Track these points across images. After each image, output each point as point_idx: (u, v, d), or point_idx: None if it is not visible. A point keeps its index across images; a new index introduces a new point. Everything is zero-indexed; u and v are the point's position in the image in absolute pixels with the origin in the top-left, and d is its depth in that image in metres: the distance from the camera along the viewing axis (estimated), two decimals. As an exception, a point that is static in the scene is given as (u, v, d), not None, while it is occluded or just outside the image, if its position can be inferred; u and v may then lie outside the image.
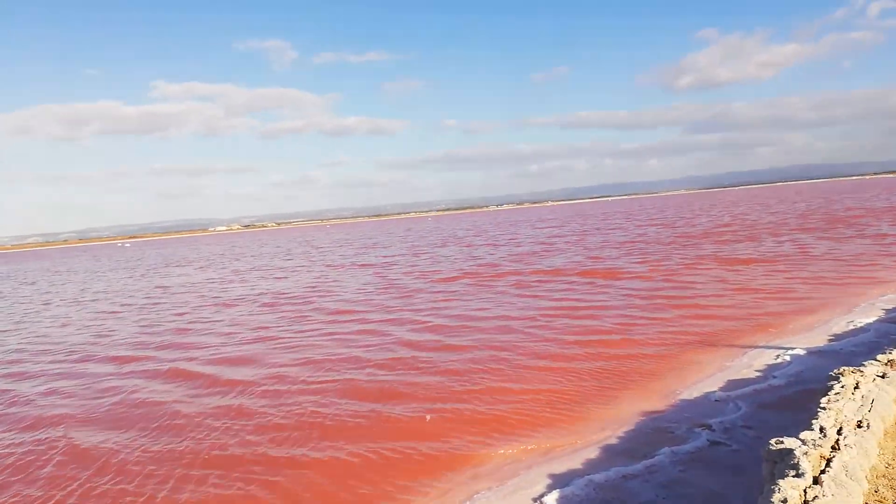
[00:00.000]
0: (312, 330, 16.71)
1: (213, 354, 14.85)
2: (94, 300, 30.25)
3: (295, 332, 16.57)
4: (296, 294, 24.78)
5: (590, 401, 9.28)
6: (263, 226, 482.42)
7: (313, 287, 26.81)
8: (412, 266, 32.99)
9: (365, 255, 45.22)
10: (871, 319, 12.54)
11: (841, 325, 12.32)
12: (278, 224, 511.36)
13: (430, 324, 16.04)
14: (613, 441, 7.77)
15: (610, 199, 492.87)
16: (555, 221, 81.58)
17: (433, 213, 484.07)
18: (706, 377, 9.90)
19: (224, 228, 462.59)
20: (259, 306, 22.29)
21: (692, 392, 9.24)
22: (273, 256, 54.82)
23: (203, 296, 27.38)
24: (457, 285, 23.19)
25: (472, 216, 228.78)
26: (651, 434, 7.88)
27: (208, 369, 13.30)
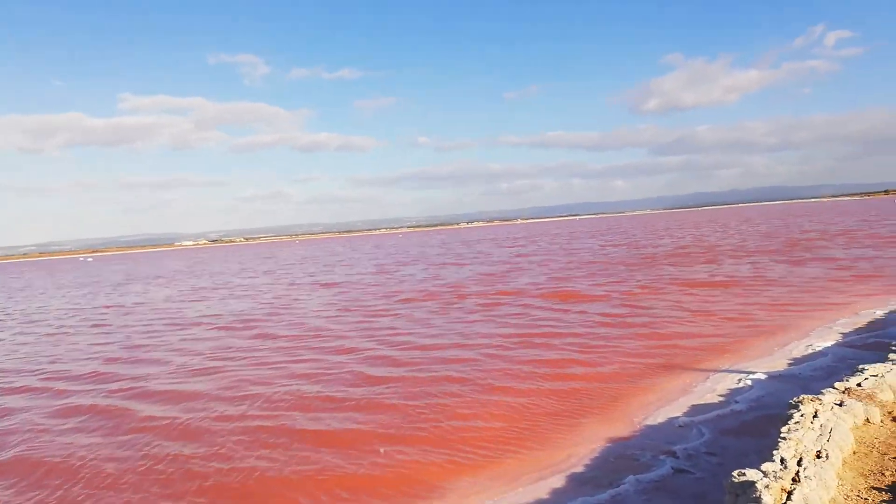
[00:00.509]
0: (260, 359, 15.60)
1: (139, 385, 13.66)
2: (28, 321, 28.44)
3: (241, 361, 15.49)
4: (250, 317, 23.67)
5: (554, 428, 9.24)
6: (232, 241, 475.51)
7: (270, 308, 25.95)
8: (375, 285, 32.59)
9: (329, 273, 44.59)
10: (828, 343, 12.82)
11: (800, 349, 12.57)
12: (247, 239, 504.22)
13: (388, 350, 15.44)
14: (579, 469, 7.74)
15: (578, 217, 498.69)
16: (522, 240, 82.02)
17: (404, 230, 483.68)
18: (670, 402, 9.96)
19: (191, 243, 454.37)
20: (209, 329, 21.20)
21: (656, 417, 9.29)
22: (234, 274, 53.57)
23: (151, 319, 25.73)
24: (419, 307, 22.76)
25: (442, 233, 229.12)
26: (616, 461, 7.88)
27: (129, 403, 12.21)
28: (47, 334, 23.36)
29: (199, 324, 22.76)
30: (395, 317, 20.93)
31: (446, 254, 60.96)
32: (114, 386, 13.84)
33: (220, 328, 21.37)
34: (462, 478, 7.79)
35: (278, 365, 14.69)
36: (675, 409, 9.54)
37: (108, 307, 31.95)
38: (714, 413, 9.18)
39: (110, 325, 24.35)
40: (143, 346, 19.03)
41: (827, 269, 24.93)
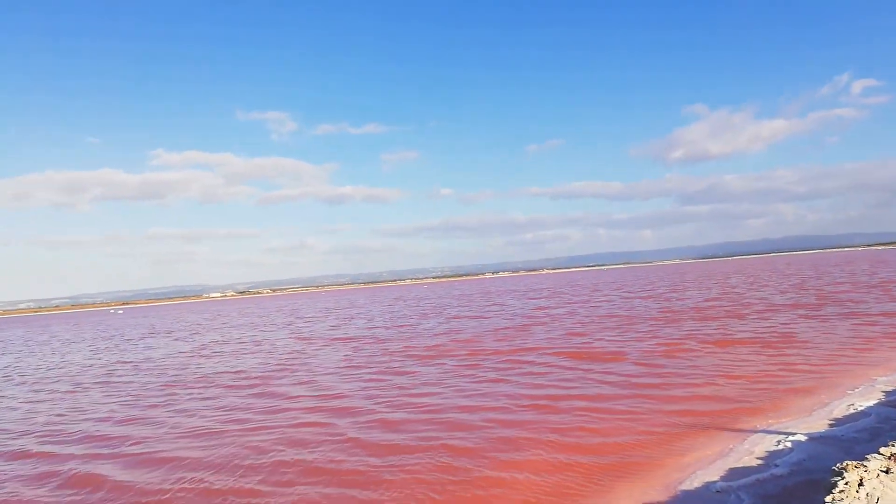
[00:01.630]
0: (259, 423, 14.90)
1: (118, 450, 13.31)
2: (38, 378, 28.43)
3: (236, 424, 14.92)
4: (258, 374, 23.06)
5: (585, 496, 8.96)
6: (258, 292, 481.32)
7: (280, 366, 25.21)
8: (390, 340, 32.03)
9: (346, 327, 44.08)
10: (871, 403, 12.36)
11: (840, 409, 12.12)
12: (273, 291, 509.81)
13: (395, 415, 14.55)
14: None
15: (605, 267, 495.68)
16: (545, 292, 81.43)
17: (428, 280, 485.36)
18: (707, 465, 9.63)
19: (219, 295, 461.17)
20: (212, 387, 20.83)
21: (693, 482, 8.97)
22: (253, 327, 53.65)
23: (158, 375, 25.40)
24: (431, 366, 21.67)
25: (466, 283, 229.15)
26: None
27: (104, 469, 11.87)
28: (49, 391, 23.37)
29: (205, 383, 22.07)
30: (406, 374, 20.24)
31: (467, 306, 60.65)
32: (97, 450, 13.55)
33: (225, 387, 20.80)
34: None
35: (275, 429, 14.10)
36: (713, 473, 9.22)
37: (122, 362, 31.93)
38: (753, 478, 8.85)
39: (116, 383, 24.00)
40: (142, 405, 18.58)
41: (862, 324, 24.21)
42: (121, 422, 16.45)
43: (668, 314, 34.31)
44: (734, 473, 9.11)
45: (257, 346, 35.45)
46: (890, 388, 13.46)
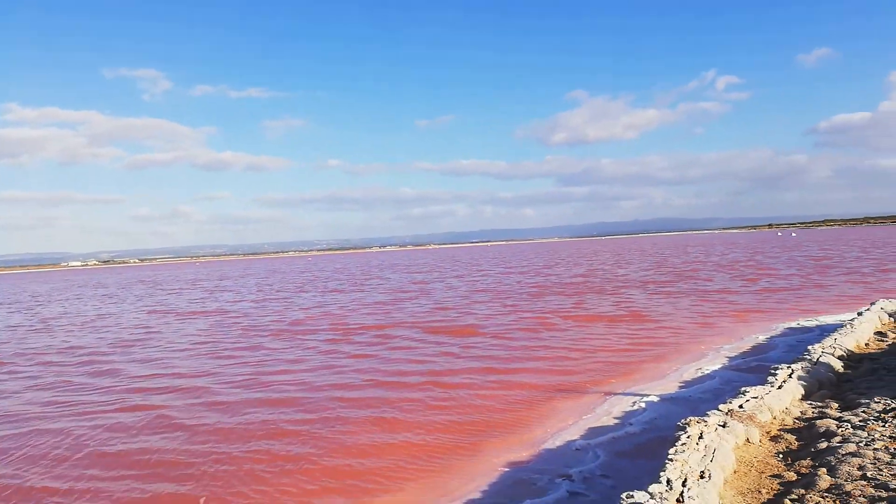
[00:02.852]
0: (72, 407, 13.15)
1: None
2: None
3: (54, 409, 13.11)
4: (93, 350, 21.05)
5: (454, 453, 9.15)
6: (125, 262, 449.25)
7: (123, 341, 23.05)
8: (255, 314, 30.32)
9: (210, 300, 41.60)
10: (716, 367, 13.55)
11: (690, 373, 13.19)
12: (142, 260, 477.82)
13: (235, 396, 13.29)
14: (477, 495, 7.67)
15: (489, 244, 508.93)
16: (427, 266, 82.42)
17: (313, 253, 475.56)
18: (569, 425, 10.13)
19: (79, 264, 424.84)
20: (34, 366, 18.62)
21: (555, 441, 9.40)
22: (106, 299, 49.67)
23: None
24: (292, 342, 20.51)
25: (351, 257, 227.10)
26: (514, 486, 7.87)
27: None
28: None
29: (24, 359, 19.90)
30: (263, 351, 18.98)
31: (348, 279, 59.91)
32: None
33: (46, 364, 18.79)
34: (360, 499, 7.53)
35: (93, 414, 12.51)
36: (574, 433, 9.70)
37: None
38: (609, 435, 9.40)
39: None
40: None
41: (711, 299, 26.58)
42: None
43: (538, 289, 35.74)
44: (593, 432, 9.64)
45: (102, 319, 32.81)
46: (733, 355, 14.83)
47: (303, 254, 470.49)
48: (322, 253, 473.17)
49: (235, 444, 10.05)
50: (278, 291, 47.07)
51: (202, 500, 7.94)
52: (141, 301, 45.13)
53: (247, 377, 15.29)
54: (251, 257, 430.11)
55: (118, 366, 17.88)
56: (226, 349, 19.87)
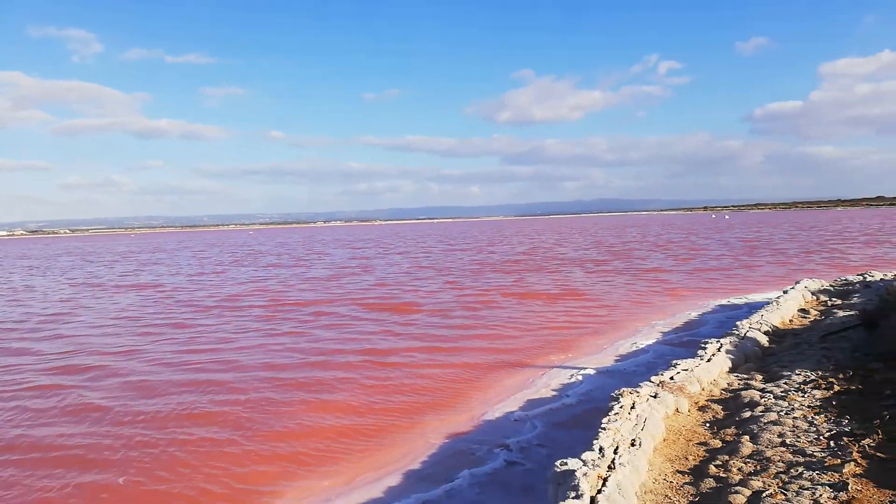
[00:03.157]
0: None
1: None
2: None
3: None
4: (6, 327, 19.77)
5: (395, 428, 9.16)
6: (55, 232, 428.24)
7: (39, 317, 21.80)
8: (187, 289, 29.27)
9: (140, 274, 39.81)
10: (650, 341, 14.02)
11: (626, 347, 13.60)
12: (73, 231, 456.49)
13: (157, 376, 12.57)
14: (416, 466, 7.72)
15: (435, 221, 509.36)
16: (371, 242, 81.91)
17: (255, 227, 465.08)
18: (508, 397, 10.30)
19: (4, 233, 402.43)
20: None
21: (494, 413, 9.54)
22: (28, 271, 47.12)
23: None
24: (223, 318, 19.81)
25: (294, 231, 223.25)
26: (453, 457, 7.96)
27: None
28: None
29: None
30: (192, 328, 18.24)
31: (288, 254, 58.89)
32: None
33: None
34: (294, 484, 7.44)
35: (2, 397, 11.53)
36: (512, 404, 9.87)
37: None
38: (547, 407, 9.61)
39: None
40: None
41: (650, 276, 27.47)
42: None
43: (480, 266, 36.03)
44: (531, 404, 9.83)
45: (21, 292, 31.06)
46: (666, 330, 15.36)
47: (244, 227, 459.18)
48: (265, 227, 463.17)
49: (157, 427, 9.47)
50: (215, 265, 45.68)
51: (122, 482, 7.61)
52: (66, 274, 43.03)
53: (173, 356, 14.51)
54: (189, 230, 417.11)
55: (33, 344, 16.71)
56: (153, 325, 18.99)
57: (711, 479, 5.52)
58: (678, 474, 5.83)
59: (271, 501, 7.01)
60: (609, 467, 5.18)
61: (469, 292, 23.91)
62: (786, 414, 6.84)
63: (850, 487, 4.82)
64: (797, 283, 17.19)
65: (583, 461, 5.24)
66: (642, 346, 13.67)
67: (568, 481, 4.89)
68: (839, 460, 5.36)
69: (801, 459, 5.57)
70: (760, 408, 7.22)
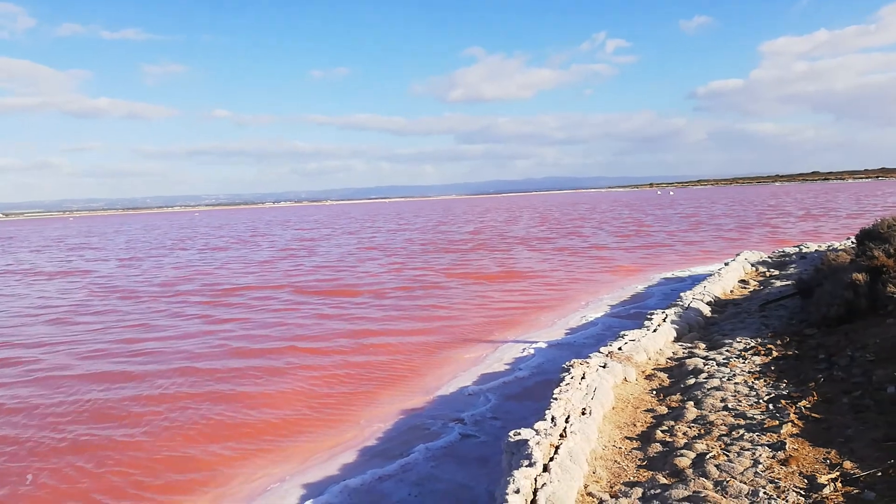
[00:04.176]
0: None
1: None
2: None
3: None
4: None
5: (350, 403, 9.15)
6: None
7: None
8: (114, 276, 27.78)
9: (73, 260, 38.01)
10: (599, 314, 14.34)
11: (575, 320, 13.88)
12: (6, 215, 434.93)
13: (61, 371, 11.64)
14: (372, 442, 7.72)
15: (387, 200, 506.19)
16: (319, 223, 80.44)
17: (201, 209, 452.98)
18: (462, 372, 10.39)
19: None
20: None
21: (449, 387, 9.61)
22: None
23: None
24: (142, 303, 19.12)
25: (241, 212, 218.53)
26: (408, 432, 7.99)
27: None
28: None
29: None
30: (109, 314, 17.44)
31: (230, 236, 57.46)
32: None
33: None
34: (246, 461, 7.35)
35: None
36: (466, 379, 9.96)
37: None
38: (500, 380, 9.74)
39: None
40: None
41: (598, 251, 28.11)
42: None
43: (430, 245, 35.89)
44: (484, 378, 9.94)
45: None
46: (614, 303, 15.74)
47: (189, 209, 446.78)
48: (211, 208, 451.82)
49: (64, 427, 8.67)
50: (152, 249, 44.01)
51: (28, 481, 7.12)
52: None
53: (89, 348, 13.46)
54: (131, 213, 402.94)
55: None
56: (73, 314, 17.88)
57: (658, 444, 5.71)
58: (627, 440, 6.00)
59: (211, 491, 6.77)
60: (561, 436, 5.29)
61: (418, 273, 23.72)
62: (728, 380, 7.11)
63: (787, 447, 5.06)
64: (737, 255, 17.84)
65: (536, 431, 5.33)
66: (591, 319, 13.97)
67: (521, 450, 4.97)
68: (777, 422, 5.61)
69: (742, 422, 5.81)
70: (704, 375, 7.49)
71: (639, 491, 4.78)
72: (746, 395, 6.54)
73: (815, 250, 17.99)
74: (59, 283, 26.20)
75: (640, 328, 9.82)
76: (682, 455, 5.22)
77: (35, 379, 11.20)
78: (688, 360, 8.27)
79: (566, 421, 5.66)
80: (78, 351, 13.24)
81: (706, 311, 11.29)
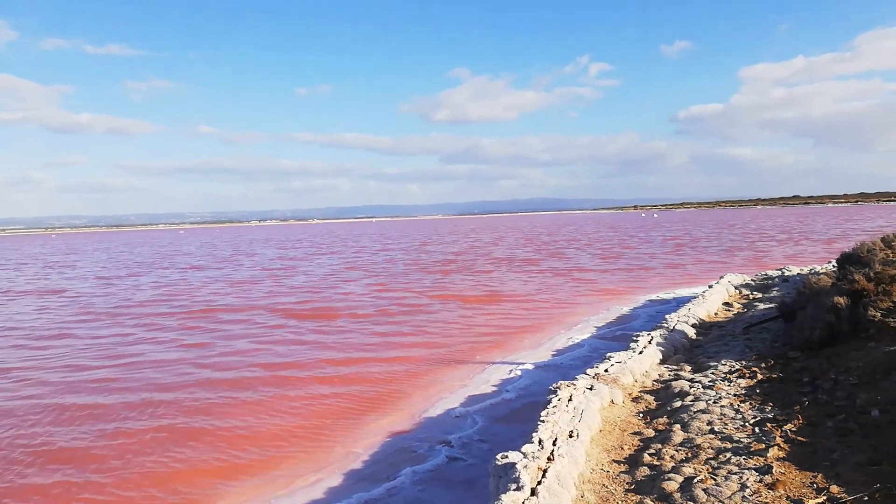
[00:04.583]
0: None
1: None
2: None
3: None
4: None
5: (335, 425, 9.06)
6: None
7: None
8: (87, 295, 27.14)
9: (48, 278, 37.30)
10: (585, 336, 14.36)
11: (561, 342, 13.89)
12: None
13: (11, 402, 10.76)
14: (358, 466, 7.64)
15: (374, 220, 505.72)
16: (304, 242, 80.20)
17: (185, 226, 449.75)
18: (449, 394, 10.34)
19: None
20: None
21: (436, 409, 9.56)
22: None
23: None
24: (132, 326, 18.33)
25: (225, 230, 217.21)
26: (395, 455, 7.92)
27: None
28: None
29: None
30: (105, 337, 16.55)
31: (211, 254, 56.79)
32: None
33: None
34: (232, 489, 7.23)
35: None
36: (453, 401, 9.92)
37: None
38: (487, 402, 9.70)
39: None
40: None
41: (583, 273, 28.24)
42: None
43: (415, 266, 35.76)
44: (472, 400, 9.90)
45: None
46: (600, 325, 15.79)
47: (174, 227, 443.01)
48: (196, 226, 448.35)
49: (11, 470, 7.86)
50: (130, 268, 43.36)
51: None
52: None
53: (47, 377, 12.44)
54: (115, 230, 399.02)
55: None
56: (36, 337, 17.06)
57: (646, 468, 5.71)
58: (614, 463, 6.00)
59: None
60: (549, 459, 5.27)
61: (403, 294, 23.61)
62: (713, 402, 7.15)
63: (774, 470, 5.08)
64: (721, 277, 18.01)
65: (523, 454, 5.32)
66: (577, 340, 13.99)
67: (509, 474, 4.95)
68: (763, 445, 5.64)
69: (729, 445, 5.83)
70: (690, 397, 7.52)
71: (627, 515, 4.77)
72: (732, 419, 6.57)
73: (797, 273, 18.22)
74: (32, 301, 25.69)
75: (626, 350, 9.86)
76: (669, 479, 5.23)
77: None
78: (674, 383, 8.30)
79: (553, 444, 5.65)
80: (33, 378, 12.36)
81: (691, 333, 11.37)
